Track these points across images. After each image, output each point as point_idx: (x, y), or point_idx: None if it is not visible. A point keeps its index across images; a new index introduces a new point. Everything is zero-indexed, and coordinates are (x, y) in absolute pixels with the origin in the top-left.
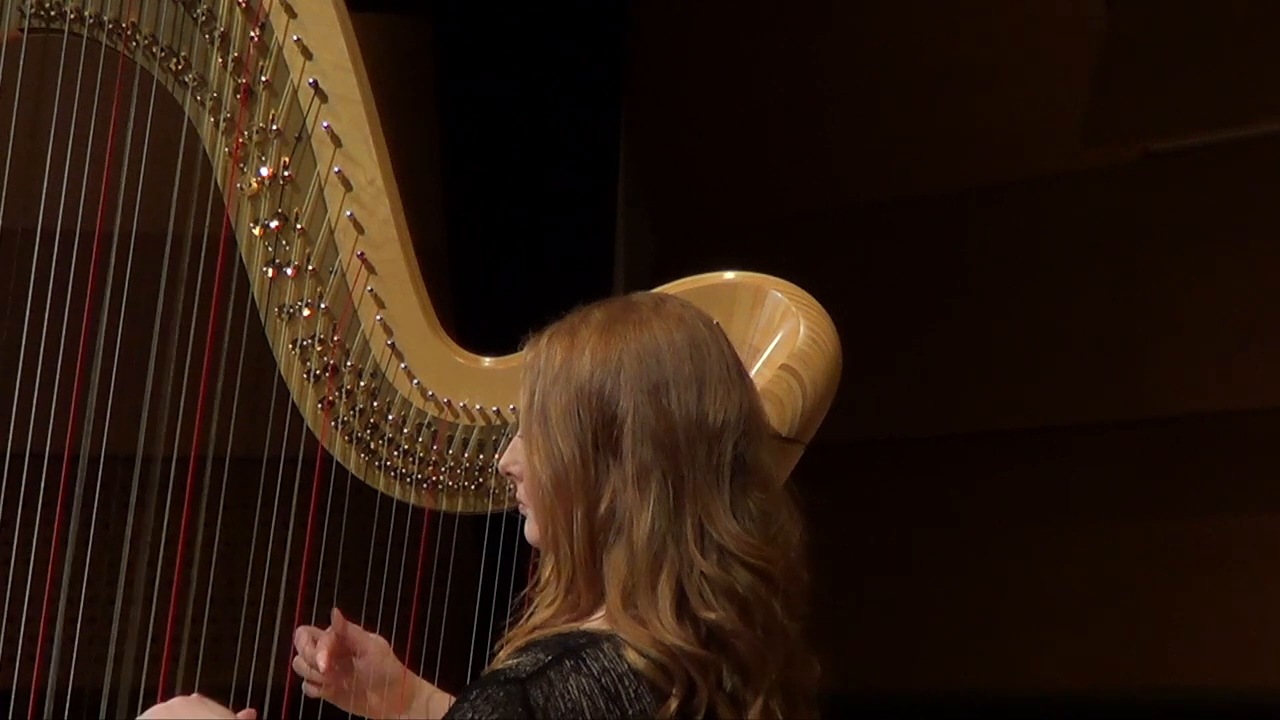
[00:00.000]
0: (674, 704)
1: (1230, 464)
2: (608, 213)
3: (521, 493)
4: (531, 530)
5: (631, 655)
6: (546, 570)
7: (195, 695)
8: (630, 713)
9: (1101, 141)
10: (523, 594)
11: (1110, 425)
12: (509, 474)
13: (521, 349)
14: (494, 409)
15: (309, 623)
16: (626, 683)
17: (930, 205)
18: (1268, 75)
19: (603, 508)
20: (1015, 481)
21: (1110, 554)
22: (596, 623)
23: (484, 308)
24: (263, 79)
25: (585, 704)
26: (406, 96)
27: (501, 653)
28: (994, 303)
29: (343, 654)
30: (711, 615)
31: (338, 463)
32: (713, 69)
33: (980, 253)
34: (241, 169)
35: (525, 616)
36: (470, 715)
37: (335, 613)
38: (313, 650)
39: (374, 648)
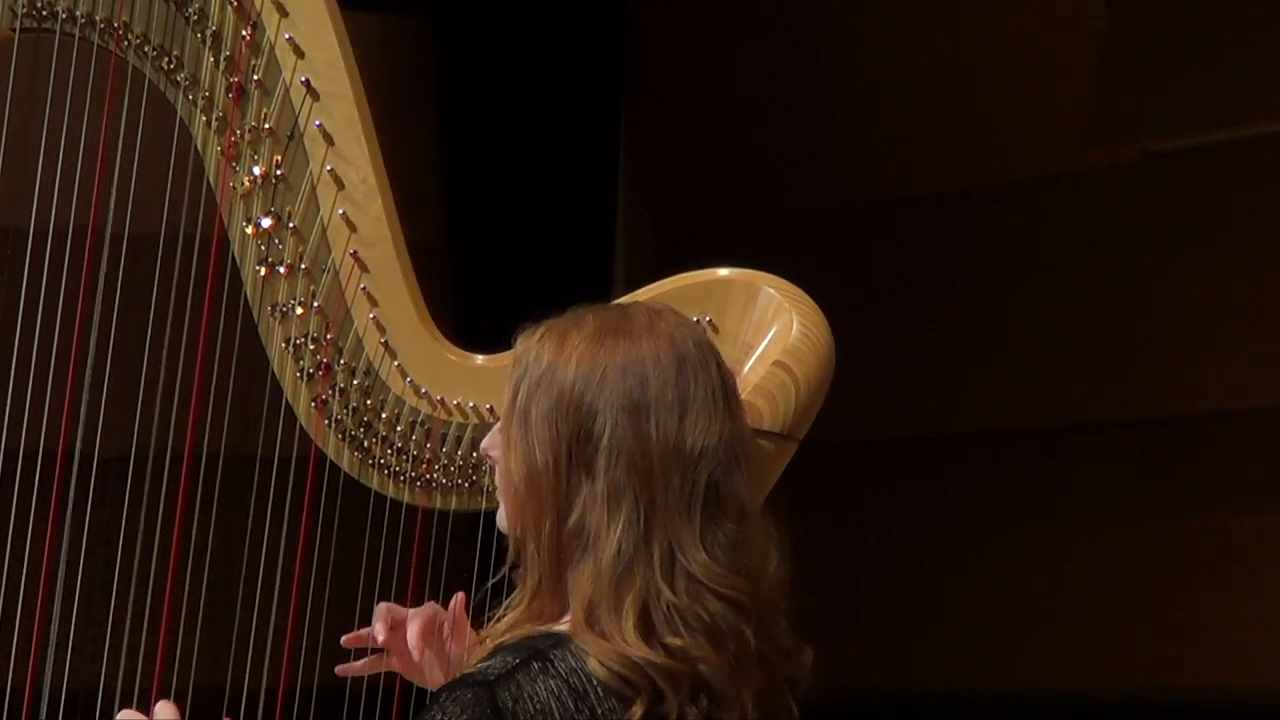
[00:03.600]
0: (639, 710)
1: (1230, 464)
2: (608, 213)
3: (497, 478)
4: (502, 519)
5: (594, 665)
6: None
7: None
8: (599, 711)
9: (1101, 141)
10: (510, 600)
11: (1110, 425)
12: (489, 457)
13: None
14: (487, 406)
15: (303, 621)
16: (594, 681)
17: (930, 205)
18: (1268, 75)
19: (572, 520)
20: (1015, 481)
21: (1110, 554)
22: (564, 626)
23: (484, 308)
24: (254, 78)
25: (554, 705)
26: (406, 96)
27: (471, 656)
28: (994, 303)
29: (430, 632)
30: (678, 641)
31: (331, 461)
32: (713, 69)
33: (980, 253)
34: (234, 168)
35: (494, 621)
36: (439, 717)
37: (459, 596)
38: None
39: (466, 635)
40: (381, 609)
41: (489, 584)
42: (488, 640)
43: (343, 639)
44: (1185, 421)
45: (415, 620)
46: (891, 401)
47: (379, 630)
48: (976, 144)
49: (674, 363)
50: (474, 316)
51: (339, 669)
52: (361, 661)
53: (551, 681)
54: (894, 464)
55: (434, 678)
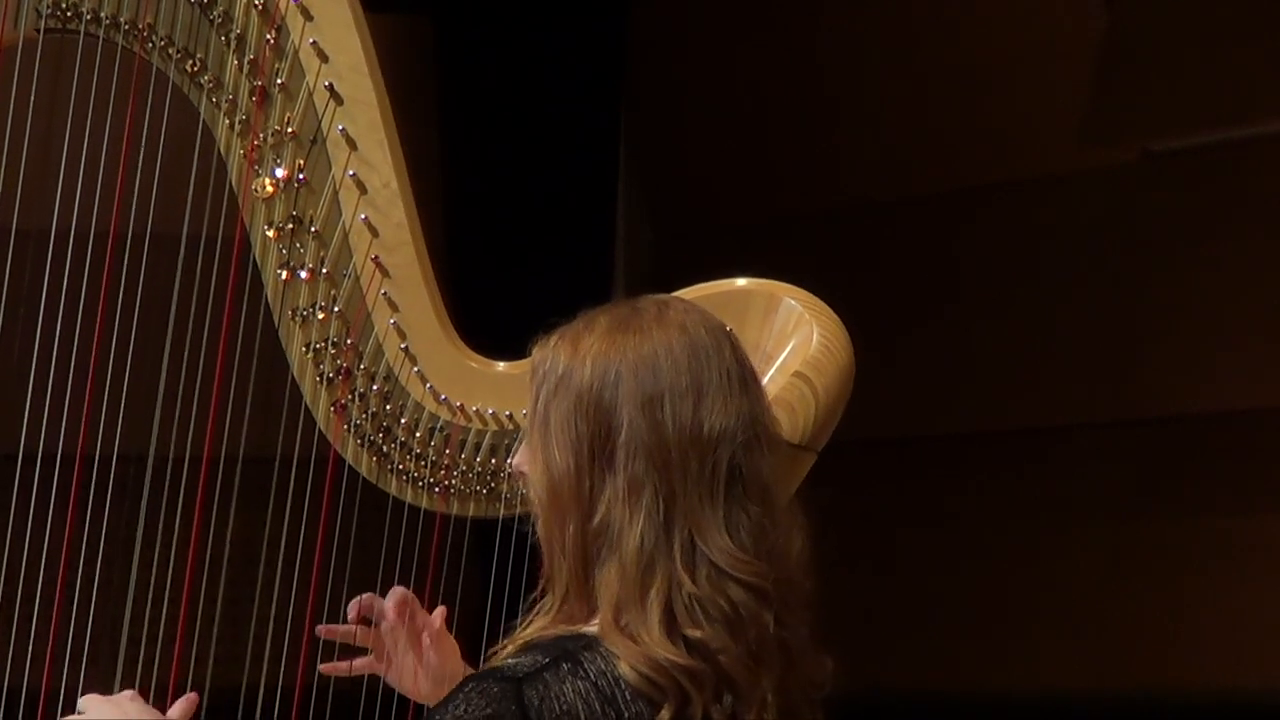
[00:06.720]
0: (666, 715)
1: (1230, 464)
2: (608, 213)
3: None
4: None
5: (624, 668)
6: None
7: (129, 692)
8: (626, 716)
9: (1101, 141)
10: (533, 598)
11: (1110, 425)
12: (522, 474)
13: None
14: (506, 413)
15: (320, 622)
16: (622, 685)
17: (930, 205)
18: (1268, 75)
19: (596, 520)
20: (1014, 481)
21: (1110, 554)
22: (594, 628)
23: (484, 308)
24: (278, 81)
25: (580, 706)
26: (406, 97)
27: (495, 657)
28: (994, 303)
29: (412, 631)
30: (698, 633)
31: (350, 466)
32: (713, 69)
33: (980, 253)
34: (256, 171)
35: (522, 626)
36: (463, 706)
37: (441, 609)
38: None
39: (449, 646)
40: (356, 601)
41: (506, 589)
42: (509, 647)
43: (318, 629)
44: (1185, 421)
45: (389, 599)
46: (891, 401)
47: (351, 613)
48: (976, 144)
49: (686, 350)
50: (473, 317)
51: (322, 667)
52: (345, 662)
53: (580, 683)
54: (893, 464)
55: (420, 687)
